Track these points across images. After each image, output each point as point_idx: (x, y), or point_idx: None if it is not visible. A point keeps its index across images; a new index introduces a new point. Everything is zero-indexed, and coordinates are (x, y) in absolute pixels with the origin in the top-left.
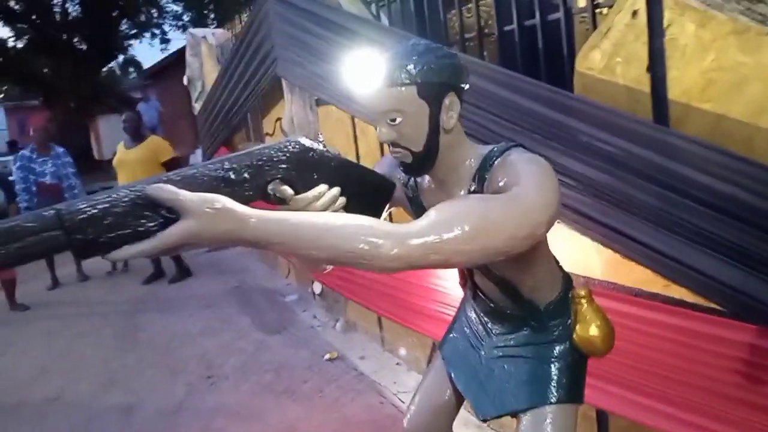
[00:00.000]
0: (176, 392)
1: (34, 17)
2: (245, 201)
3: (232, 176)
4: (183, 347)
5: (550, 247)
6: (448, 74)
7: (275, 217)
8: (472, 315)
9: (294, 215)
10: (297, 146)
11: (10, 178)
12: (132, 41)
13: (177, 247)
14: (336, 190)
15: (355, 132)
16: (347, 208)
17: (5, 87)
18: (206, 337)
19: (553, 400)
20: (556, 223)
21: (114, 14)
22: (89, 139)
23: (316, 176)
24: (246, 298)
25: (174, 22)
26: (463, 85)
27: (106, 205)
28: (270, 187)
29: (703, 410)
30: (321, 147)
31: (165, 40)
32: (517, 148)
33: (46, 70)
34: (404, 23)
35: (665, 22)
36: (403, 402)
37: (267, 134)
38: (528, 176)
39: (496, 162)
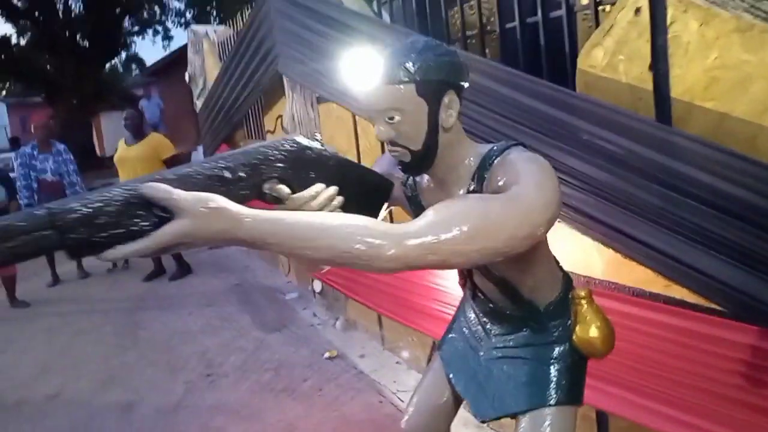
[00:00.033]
0: (176, 390)
1: (37, 14)
2: (241, 200)
3: (228, 175)
4: (183, 345)
5: (550, 247)
6: (447, 72)
7: (270, 217)
8: (471, 316)
9: (290, 215)
10: (294, 145)
11: (12, 174)
12: (135, 38)
13: (171, 246)
14: (333, 189)
15: (356, 129)
16: (345, 208)
17: (8, 84)
18: (206, 335)
19: (553, 401)
20: (556, 222)
21: (117, 11)
22: (91, 136)
23: (313, 175)
24: (246, 295)
25: (176, 19)
26: (462, 83)
27: (99, 204)
28: (266, 186)
29: (704, 411)
30: (318, 145)
31: (167, 38)
32: (517, 147)
33: (48, 67)
34: (406, 20)
35: (668, 20)
36: (403, 401)
37: (268, 131)
38: (528, 176)
39: (495, 161)
